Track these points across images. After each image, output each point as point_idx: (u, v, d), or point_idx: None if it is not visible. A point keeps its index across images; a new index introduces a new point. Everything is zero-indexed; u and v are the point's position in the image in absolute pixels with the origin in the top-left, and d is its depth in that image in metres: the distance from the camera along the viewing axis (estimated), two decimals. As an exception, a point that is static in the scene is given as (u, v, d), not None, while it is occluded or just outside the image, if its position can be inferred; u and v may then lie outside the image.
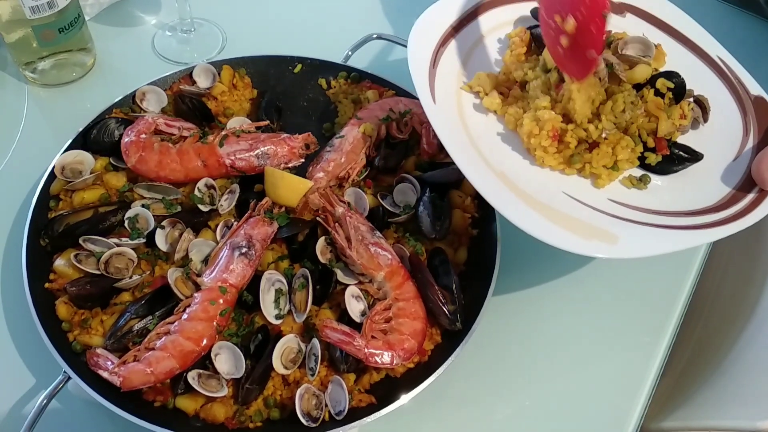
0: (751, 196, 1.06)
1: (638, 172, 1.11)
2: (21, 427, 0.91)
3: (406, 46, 1.36)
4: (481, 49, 1.21)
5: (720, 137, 1.14)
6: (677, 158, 1.11)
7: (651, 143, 1.10)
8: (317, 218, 1.13)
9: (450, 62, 1.17)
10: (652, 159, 1.10)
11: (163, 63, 1.51)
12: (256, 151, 1.18)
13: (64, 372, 0.96)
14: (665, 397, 1.22)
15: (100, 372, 0.96)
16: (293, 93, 1.35)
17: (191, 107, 1.25)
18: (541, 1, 1.08)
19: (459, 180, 1.18)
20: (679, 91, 1.13)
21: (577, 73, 1.05)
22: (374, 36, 1.40)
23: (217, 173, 1.18)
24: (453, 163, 1.19)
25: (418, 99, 1.26)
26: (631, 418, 1.07)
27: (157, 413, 0.96)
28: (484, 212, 1.15)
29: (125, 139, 1.17)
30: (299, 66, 1.35)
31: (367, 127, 1.21)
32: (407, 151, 1.24)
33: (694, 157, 1.11)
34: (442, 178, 1.17)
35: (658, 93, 1.12)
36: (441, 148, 1.23)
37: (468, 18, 1.21)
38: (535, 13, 1.25)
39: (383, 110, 1.25)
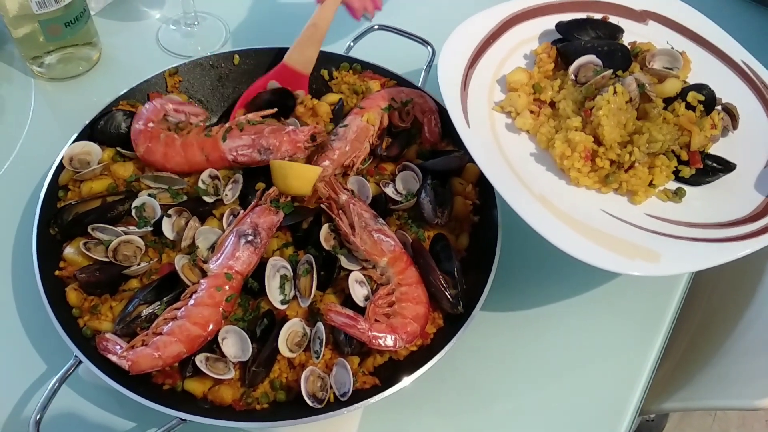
0: None
1: (673, 185, 1.12)
2: (33, 411, 0.93)
3: (407, 36, 1.40)
4: (510, 67, 1.21)
5: (750, 144, 1.14)
6: (711, 169, 1.11)
7: (684, 156, 1.10)
8: (321, 206, 1.15)
9: (480, 83, 1.17)
10: (686, 172, 1.11)
11: (167, 56, 1.53)
12: (258, 147, 1.18)
13: (75, 356, 0.98)
14: (666, 379, 1.23)
15: (110, 356, 0.98)
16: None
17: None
18: None
19: (460, 167, 1.19)
20: (710, 102, 1.13)
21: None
22: (376, 27, 1.41)
23: (220, 166, 1.19)
24: (454, 150, 1.22)
25: (419, 89, 1.29)
26: (632, 400, 1.09)
27: (166, 395, 0.98)
28: (485, 199, 1.17)
29: (134, 126, 1.19)
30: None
31: (370, 116, 1.23)
32: (409, 140, 1.26)
33: (727, 167, 1.11)
34: (444, 166, 1.19)
35: (689, 106, 1.12)
36: (442, 135, 1.25)
37: (494, 36, 1.22)
38: (561, 27, 1.24)
39: (385, 100, 1.27)
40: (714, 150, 1.14)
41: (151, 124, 1.19)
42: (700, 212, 1.07)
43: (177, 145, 1.18)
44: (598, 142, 1.08)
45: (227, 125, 1.21)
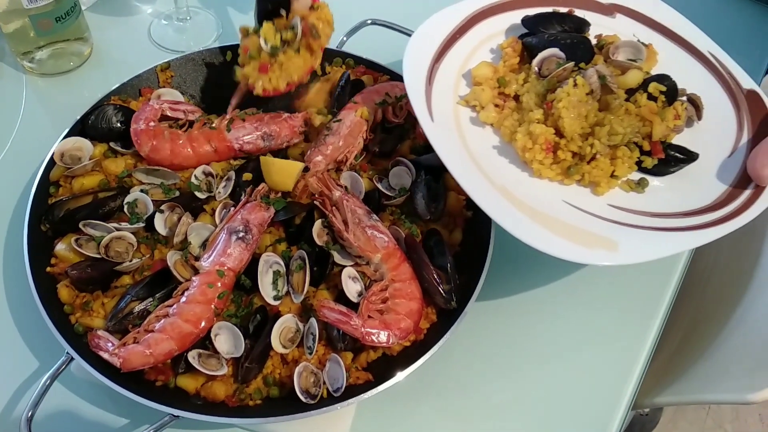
0: (747, 193, 1.06)
1: (636, 176, 1.12)
2: (25, 408, 0.93)
3: (400, 31, 1.39)
4: (475, 62, 1.21)
5: (715, 134, 1.15)
6: (673, 159, 1.11)
7: (647, 147, 1.10)
8: (314, 202, 1.15)
9: (445, 78, 1.17)
10: (649, 162, 1.10)
11: (159, 51, 1.52)
12: (262, 134, 1.21)
13: (67, 353, 0.97)
14: (660, 373, 1.24)
15: (101, 353, 0.98)
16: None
17: None
18: None
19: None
20: (672, 93, 1.13)
21: None
22: (369, 21, 1.41)
23: (227, 156, 1.22)
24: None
25: None
26: (625, 394, 1.09)
27: (159, 392, 0.98)
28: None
29: (134, 127, 1.19)
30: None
31: (364, 111, 1.23)
32: (403, 135, 1.26)
33: (690, 157, 1.11)
34: (437, 161, 1.17)
35: (651, 97, 1.12)
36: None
37: (460, 31, 1.22)
38: (527, 21, 1.24)
39: (379, 95, 1.26)
40: (679, 140, 1.14)
41: (151, 123, 1.19)
42: (664, 202, 1.08)
43: (183, 139, 1.19)
44: (559, 134, 1.08)
45: (229, 116, 1.23)
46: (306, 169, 1.16)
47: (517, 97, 1.17)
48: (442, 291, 1.04)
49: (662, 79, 1.14)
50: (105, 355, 0.97)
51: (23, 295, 1.05)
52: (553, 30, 1.23)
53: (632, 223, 1.03)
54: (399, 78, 1.31)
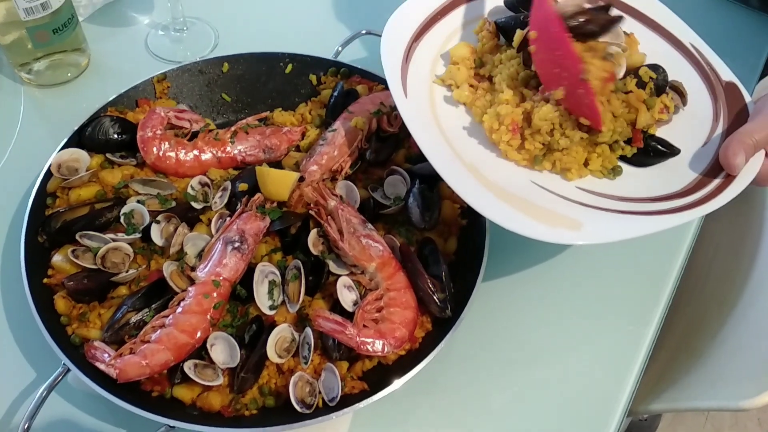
0: (717, 181, 1.06)
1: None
2: (22, 419, 0.93)
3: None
4: (455, 43, 1.22)
5: (690, 123, 1.15)
6: (653, 151, 1.11)
7: (628, 134, 1.10)
8: (310, 211, 1.15)
9: (423, 57, 1.18)
10: (628, 151, 1.10)
11: (156, 62, 1.53)
12: (263, 147, 1.25)
13: (64, 364, 0.98)
14: (654, 380, 1.24)
15: (98, 364, 0.98)
16: (285, 90, 1.38)
17: None
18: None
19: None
20: (662, 84, 1.14)
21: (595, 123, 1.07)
22: (363, 32, 1.42)
23: (228, 166, 1.24)
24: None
25: None
26: (620, 401, 1.09)
27: (155, 402, 0.98)
28: (473, 202, 1.17)
29: (141, 134, 1.20)
30: (290, 66, 1.37)
31: (359, 120, 1.24)
32: (397, 145, 1.26)
33: (672, 151, 1.11)
34: (432, 170, 1.18)
35: (640, 83, 1.12)
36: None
37: (442, 12, 1.22)
38: (509, 3, 1.25)
39: (374, 104, 1.27)
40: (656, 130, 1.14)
41: (158, 131, 1.20)
42: (632, 187, 1.08)
43: (188, 149, 1.22)
44: (528, 121, 1.09)
45: (233, 129, 1.26)
46: (301, 179, 1.17)
47: (491, 78, 1.18)
48: (436, 300, 1.05)
49: (655, 68, 1.15)
50: (101, 366, 0.97)
51: (20, 306, 1.06)
52: None
53: (598, 206, 1.04)
54: (394, 87, 1.32)
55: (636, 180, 1.10)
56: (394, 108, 1.26)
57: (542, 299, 1.19)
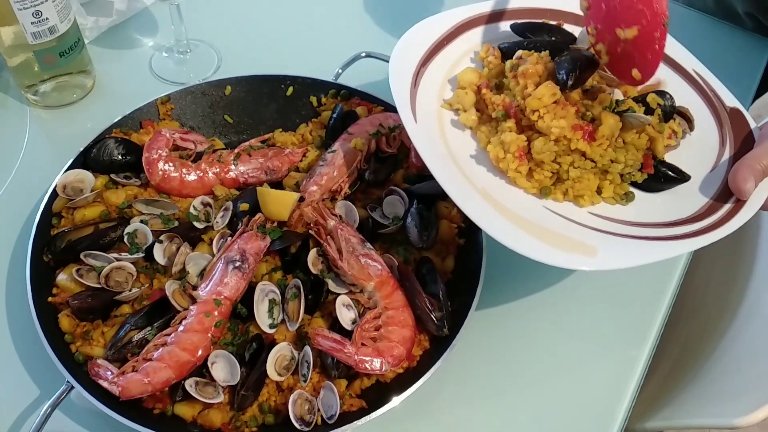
0: (727, 206, 1.07)
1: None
2: (26, 436, 0.95)
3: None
4: (462, 68, 1.23)
5: (698, 149, 1.17)
6: (663, 177, 1.12)
7: (638, 157, 1.11)
8: (309, 231, 1.17)
9: (431, 82, 1.20)
10: (639, 177, 1.11)
11: (160, 83, 1.56)
12: (265, 169, 1.27)
13: (67, 382, 0.99)
14: (650, 398, 1.25)
15: (101, 382, 1.00)
16: (286, 111, 1.40)
17: None
18: (592, 18, 1.10)
19: (445, 192, 1.22)
20: (669, 110, 1.15)
21: (633, 78, 1.07)
22: (363, 54, 1.45)
23: (231, 187, 1.27)
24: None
25: None
26: (616, 420, 1.10)
27: (157, 420, 1.00)
28: (471, 222, 1.18)
29: (146, 156, 1.22)
30: (291, 88, 1.40)
31: (358, 141, 1.26)
32: (396, 165, 1.29)
33: (682, 177, 1.12)
34: (429, 190, 1.21)
35: (648, 110, 1.13)
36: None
37: (449, 37, 1.24)
38: (515, 27, 1.27)
39: (373, 125, 1.30)
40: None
41: (164, 153, 1.23)
42: (644, 211, 1.09)
43: (192, 171, 1.24)
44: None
45: (236, 151, 1.28)
46: (301, 199, 1.19)
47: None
48: (434, 318, 1.07)
49: (662, 94, 1.16)
50: (104, 384, 0.99)
51: (25, 325, 1.08)
52: (540, 39, 1.24)
53: (612, 231, 1.04)
54: (392, 109, 1.34)
55: (647, 205, 1.11)
56: (392, 129, 1.29)
57: (539, 318, 1.21)
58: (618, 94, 1.17)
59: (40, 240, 1.14)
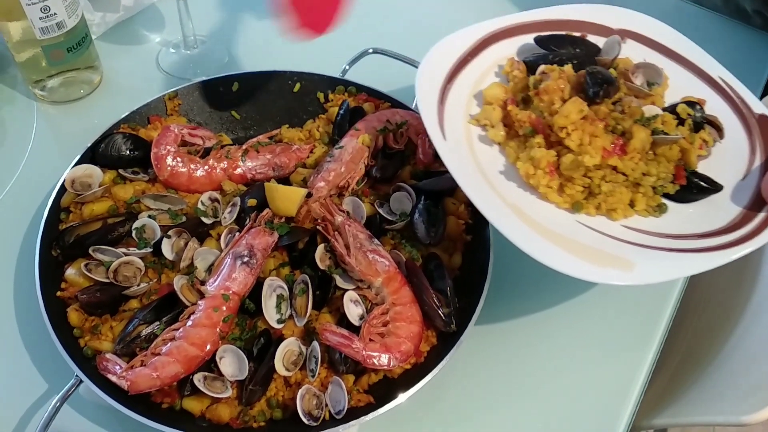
0: (762, 215, 1.06)
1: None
2: (35, 430, 0.95)
3: (401, 60, 1.43)
4: (488, 83, 1.22)
5: (728, 157, 1.15)
6: (696, 187, 1.11)
7: (670, 169, 1.10)
8: (317, 227, 1.17)
9: (457, 98, 1.19)
10: (671, 189, 1.10)
11: (167, 79, 1.56)
12: (273, 165, 1.27)
13: (76, 376, 1.00)
14: (657, 396, 1.25)
15: (109, 376, 1.00)
16: (293, 107, 1.41)
17: None
18: None
19: (453, 188, 1.22)
20: (700, 120, 1.14)
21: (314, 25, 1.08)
22: (370, 50, 1.45)
23: (239, 183, 1.27)
24: (447, 171, 1.24)
25: (414, 111, 1.31)
26: (623, 418, 1.10)
27: (165, 414, 1.00)
28: (478, 219, 1.19)
29: (155, 151, 1.23)
30: (298, 84, 1.40)
31: (365, 138, 1.26)
32: (403, 161, 1.29)
33: (714, 187, 1.11)
34: (437, 186, 1.22)
35: (678, 119, 1.12)
36: (436, 157, 1.27)
37: (473, 52, 1.23)
38: (539, 40, 1.26)
39: (380, 121, 1.30)
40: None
41: (172, 149, 1.23)
42: (677, 223, 1.08)
43: (200, 167, 1.24)
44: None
45: (244, 147, 1.28)
46: (309, 195, 1.19)
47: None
48: (441, 314, 1.07)
49: (691, 104, 1.15)
50: (113, 378, 0.99)
51: (34, 319, 1.08)
52: (565, 51, 1.24)
53: (647, 244, 1.04)
54: (399, 105, 1.35)
55: (680, 216, 1.10)
56: (399, 126, 1.29)
57: (546, 315, 1.21)
58: (651, 110, 1.15)
59: (48, 235, 1.14)
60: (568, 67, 1.16)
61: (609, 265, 0.98)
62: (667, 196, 1.12)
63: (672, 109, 1.16)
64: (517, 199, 1.07)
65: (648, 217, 1.10)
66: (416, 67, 1.39)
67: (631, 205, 1.09)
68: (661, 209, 1.10)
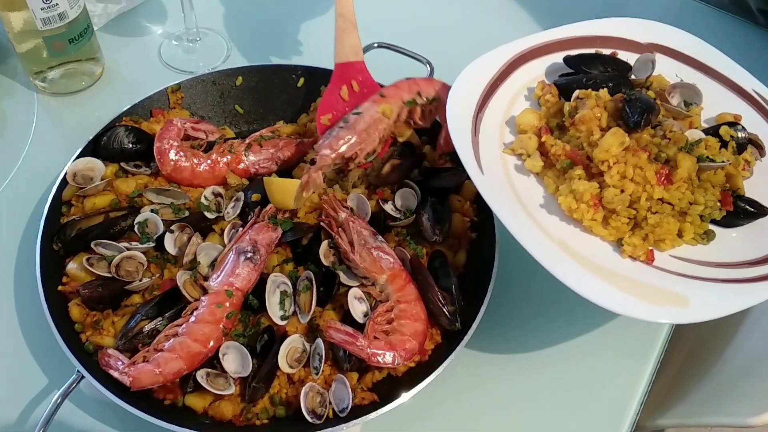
0: None
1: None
2: (36, 425, 0.94)
3: (405, 54, 1.41)
4: (519, 108, 1.17)
5: None
6: (743, 212, 1.06)
7: (717, 196, 1.06)
8: (321, 223, 1.16)
9: (490, 127, 1.13)
10: (717, 215, 1.05)
11: (169, 72, 1.55)
12: (276, 159, 1.26)
13: (78, 372, 0.99)
14: (662, 396, 1.25)
15: (111, 372, 0.99)
16: (297, 101, 1.39)
17: None
18: None
19: (458, 185, 1.21)
20: (743, 141, 1.11)
21: None
22: (375, 45, 1.43)
23: (242, 176, 1.26)
24: (452, 169, 1.23)
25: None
26: (627, 415, 1.10)
27: (167, 411, 1.00)
28: (483, 216, 1.18)
29: (158, 145, 1.22)
30: (302, 78, 1.39)
31: (387, 108, 1.18)
32: (414, 164, 1.25)
33: (761, 211, 1.06)
34: (442, 183, 1.21)
35: (721, 141, 1.09)
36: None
37: (501, 77, 1.18)
38: (568, 60, 1.21)
39: (411, 92, 1.21)
40: None
41: (175, 143, 1.22)
42: (727, 251, 1.04)
43: (203, 161, 1.23)
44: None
45: (247, 141, 1.27)
46: (312, 162, 1.13)
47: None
48: (446, 312, 1.06)
49: (733, 125, 1.12)
50: (115, 374, 0.98)
51: (35, 314, 1.07)
52: (596, 70, 1.19)
53: (699, 276, 0.99)
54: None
55: (728, 243, 1.05)
56: (431, 101, 1.22)
57: (550, 315, 1.20)
58: (693, 134, 1.11)
59: (49, 228, 1.13)
60: (603, 92, 1.11)
61: (665, 303, 0.94)
62: (712, 221, 1.07)
63: (714, 131, 1.11)
64: (563, 233, 1.01)
65: (695, 245, 1.05)
66: (421, 62, 1.39)
67: (679, 234, 1.04)
68: (708, 236, 1.05)
